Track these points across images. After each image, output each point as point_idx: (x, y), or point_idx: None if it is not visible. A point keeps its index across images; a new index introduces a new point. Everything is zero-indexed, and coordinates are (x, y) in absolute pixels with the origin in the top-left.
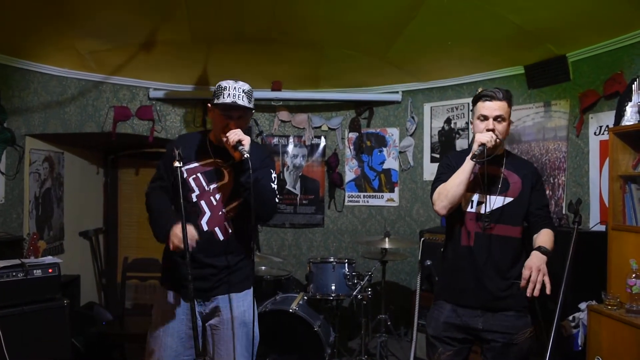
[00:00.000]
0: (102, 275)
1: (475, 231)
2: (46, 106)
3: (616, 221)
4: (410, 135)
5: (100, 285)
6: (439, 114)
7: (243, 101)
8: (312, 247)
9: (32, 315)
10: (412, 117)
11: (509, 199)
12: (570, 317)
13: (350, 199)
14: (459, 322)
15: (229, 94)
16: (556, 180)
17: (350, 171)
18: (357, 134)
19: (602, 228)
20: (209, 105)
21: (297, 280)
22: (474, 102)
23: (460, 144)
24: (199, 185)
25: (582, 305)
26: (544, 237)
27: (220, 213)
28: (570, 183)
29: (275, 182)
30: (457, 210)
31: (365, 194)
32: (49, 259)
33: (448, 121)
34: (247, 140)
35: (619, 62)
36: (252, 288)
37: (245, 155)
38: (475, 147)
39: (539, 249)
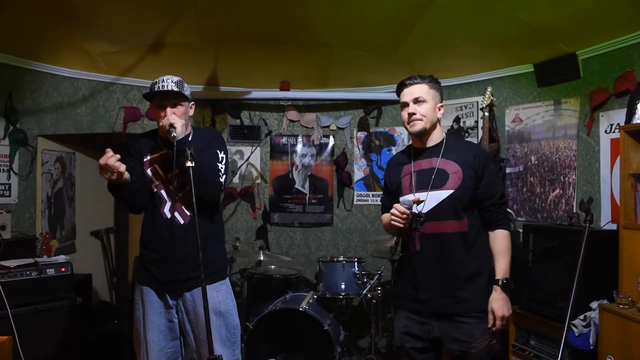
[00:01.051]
0: (113, 274)
1: (418, 233)
2: (58, 107)
3: (627, 220)
4: None
5: (111, 284)
6: (448, 113)
7: (172, 88)
8: (321, 246)
9: (45, 313)
10: None
11: (448, 192)
12: (582, 316)
13: (359, 198)
14: (416, 331)
15: (158, 86)
16: (567, 178)
17: (359, 170)
18: (366, 133)
19: (614, 227)
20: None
21: (307, 279)
22: (398, 96)
23: None
24: (156, 175)
25: (594, 304)
26: (502, 257)
27: (177, 198)
28: (581, 182)
29: (224, 163)
30: None
31: (374, 193)
32: (61, 258)
33: (457, 120)
34: (178, 123)
35: (629, 59)
36: (226, 279)
37: (173, 134)
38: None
39: (500, 284)
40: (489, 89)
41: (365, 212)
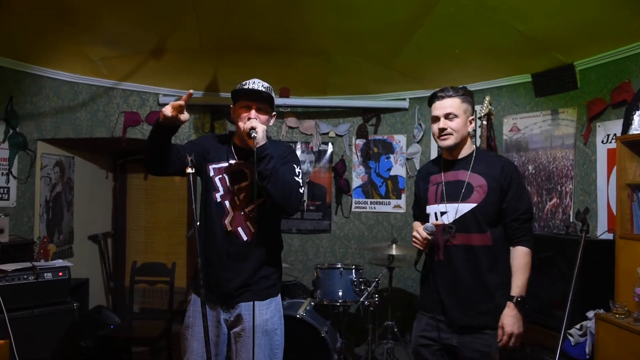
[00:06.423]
0: (111, 279)
1: (443, 244)
2: (57, 111)
3: (624, 229)
4: (417, 142)
5: (108, 288)
6: None
7: (261, 89)
8: (319, 253)
9: (42, 317)
10: (419, 124)
11: (472, 205)
12: (578, 326)
13: (357, 205)
14: (435, 335)
15: (249, 87)
16: (564, 188)
17: (357, 177)
18: (364, 140)
19: (610, 236)
20: (232, 106)
21: (304, 286)
22: (429, 107)
23: None
24: (224, 185)
25: (590, 314)
26: (519, 274)
27: (242, 213)
28: (578, 191)
29: (300, 178)
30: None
31: (372, 200)
32: (59, 262)
33: None
34: (260, 128)
35: (626, 70)
36: (279, 296)
37: (254, 137)
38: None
39: (514, 301)
40: (487, 98)
41: (363, 219)
